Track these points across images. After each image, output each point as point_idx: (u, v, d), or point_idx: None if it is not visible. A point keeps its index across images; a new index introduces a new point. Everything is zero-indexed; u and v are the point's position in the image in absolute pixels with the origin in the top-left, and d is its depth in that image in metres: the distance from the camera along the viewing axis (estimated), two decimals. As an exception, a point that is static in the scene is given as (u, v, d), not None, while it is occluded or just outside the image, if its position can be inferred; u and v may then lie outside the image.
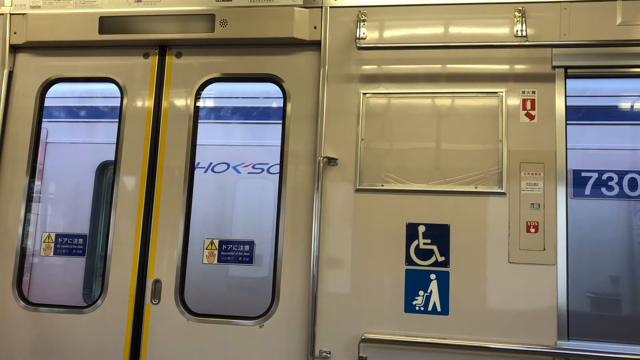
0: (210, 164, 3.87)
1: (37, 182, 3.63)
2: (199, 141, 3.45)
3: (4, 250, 3.44)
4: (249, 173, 3.84)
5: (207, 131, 3.73)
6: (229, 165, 3.89)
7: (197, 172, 3.45)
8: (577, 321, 2.91)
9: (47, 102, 3.65)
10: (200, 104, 3.48)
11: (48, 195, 3.81)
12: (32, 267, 3.67)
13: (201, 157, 3.61)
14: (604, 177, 3.18)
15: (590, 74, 3.11)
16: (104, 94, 4.03)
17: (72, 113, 4.25)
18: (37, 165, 3.59)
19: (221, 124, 4.09)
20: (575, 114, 3.22)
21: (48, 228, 3.67)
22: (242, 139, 4.15)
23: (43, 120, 3.62)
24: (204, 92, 3.49)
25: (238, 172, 3.87)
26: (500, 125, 3.05)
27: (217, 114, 4.05)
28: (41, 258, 3.63)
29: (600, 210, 3.22)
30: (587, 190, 3.18)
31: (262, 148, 3.98)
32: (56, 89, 3.69)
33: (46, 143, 4.00)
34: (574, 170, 3.17)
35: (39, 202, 3.67)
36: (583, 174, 3.20)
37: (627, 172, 3.16)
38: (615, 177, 3.17)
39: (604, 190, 3.18)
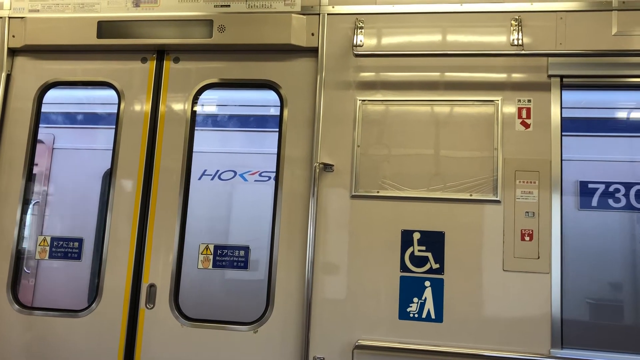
0: (217, 171, 3.88)
1: (43, 187, 3.63)
2: (204, 148, 3.46)
3: (-1, 254, 3.45)
4: (255, 181, 3.86)
5: (211, 139, 3.74)
6: (235, 173, 3.90)
7: (203, 179, 3.45)
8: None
9: (55, 108, 3.66)
10: (197, 109, 3.48)
11: (52, 200, 3.81)
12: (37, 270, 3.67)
13: (207, 165, 3.61)
14: (611, 188, 3.20)
15: (585, 84, 3.12)
16: (108, 100, 4.02)
17: (77, 119, 4.25)
18: (44, 170, 3.60)
19: (220, 131, 4.10)
20: (570, 125, 3.24)
21: (48, 232, 3.66)
22: (241, 146, 4.17)
23: (50, 126, 3.62)
24: (201, 98, 3.50)
25: (245, 179, 3.88)
26: (496, 133, 3.06)
27: (214, 119, 4.06)
28: (41, 261, 3.63)
29: (605, 220, 3.25)
30: (594, 202, 3.21)
31: (262, 156, 3.99)
32: (62, 95, 3.70)
33: (52, 149, 4.00)
34: (580, 182, 3.18)
35: (44, 206, 3.66)
36: (590, 186, 3.22)
37: (633, 184, 3.18)
38: (622, 188, 3.19)
39: (610, 201, 3.20)
